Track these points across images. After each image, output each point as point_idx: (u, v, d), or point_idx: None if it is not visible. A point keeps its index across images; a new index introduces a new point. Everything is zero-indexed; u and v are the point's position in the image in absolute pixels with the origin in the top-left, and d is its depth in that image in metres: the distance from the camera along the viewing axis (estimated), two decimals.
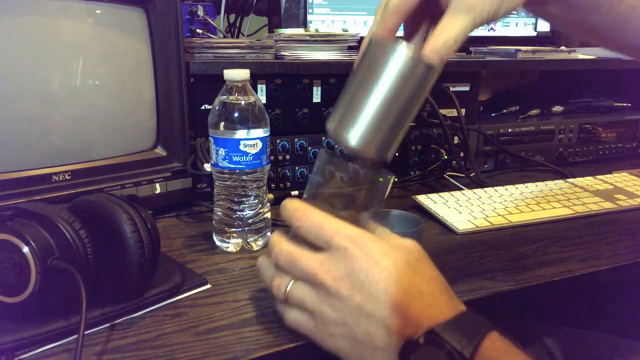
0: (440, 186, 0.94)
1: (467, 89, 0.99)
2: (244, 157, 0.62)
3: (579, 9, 0.48)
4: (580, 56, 1.13)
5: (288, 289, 0.43)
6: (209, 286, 0.56)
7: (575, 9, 0.49)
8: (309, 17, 1.03)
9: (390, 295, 0.39)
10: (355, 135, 0.44)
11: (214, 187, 0.66)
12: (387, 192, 0.48)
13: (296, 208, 0.44)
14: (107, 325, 0.48)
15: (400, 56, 0.43)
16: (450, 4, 0.44)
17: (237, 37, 1.21)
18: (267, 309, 0.51)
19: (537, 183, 0.91)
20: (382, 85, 0.44)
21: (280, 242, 0.44)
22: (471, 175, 0.97)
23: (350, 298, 0.40)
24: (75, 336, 0.42)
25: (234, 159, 0.62)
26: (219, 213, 0.65)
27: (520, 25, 1.27)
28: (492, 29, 1.24)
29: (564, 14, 0.50)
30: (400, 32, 0.50)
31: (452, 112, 0.95)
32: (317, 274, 0.41)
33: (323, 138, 0.88)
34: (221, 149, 0.62)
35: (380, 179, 0.48)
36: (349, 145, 0.44)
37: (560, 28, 0.55)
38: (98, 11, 0.68)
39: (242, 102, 0.62)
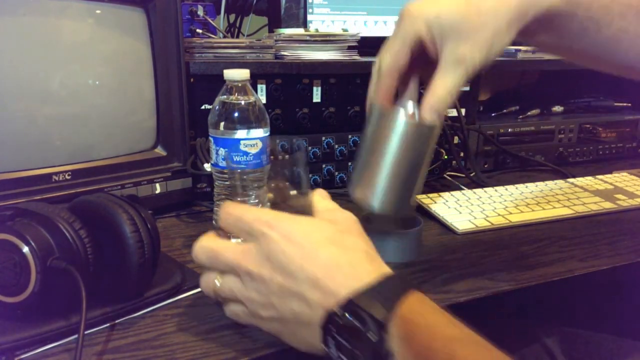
0: (440, 186, 0.94)
1: (467, 88, 0.99)
2: (244, 157, 0.62)
3: (568, 35, 0.49)
4: None
5: (218, 285, 0.45)
6: None
7: (564, 35, 0.49)
8: (309, 17, 1.03)
9: (307, 271, 0.40)
10: (374, 200, 0.49)
11: (214, 187, 0.66)
12: (306, 168, 0.51)
13: (221, 208, 0.46)
14: (107, 325, 0.48)
15: (401, 123, 0.47)
16: (440, 58, 0.46)
17: (237, 37, 1.21)
18: None
19: (537, 183, 0.91)
20: (390, 153, 0.48)
21: (199, 241, 0.45)
22: (471, 175, 0.97)
23: (272, 280, 0.41)
24: (76, 336, 0.42)
25: (234, 159, 0.62)
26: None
27: None
28: None
29: (553, 41, 0.51)
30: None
31: (452, 112, 0.95)
32: (240, 263, 0.42)
33: (323, 138, 0.88)
34: (221, 148, 0.62)
35: (294, 160, 0.51)
36: (371, 209, 0.49)
37: (550, 53, 0.55)
38: (98, 11, 0.68)
39: (242, 102, 0.62)
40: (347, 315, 0.38)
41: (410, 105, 0.50)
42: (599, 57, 0.52)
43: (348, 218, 0.46)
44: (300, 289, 0.40)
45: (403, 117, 0.47)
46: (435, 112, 0.46)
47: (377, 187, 0.49)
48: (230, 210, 0.45)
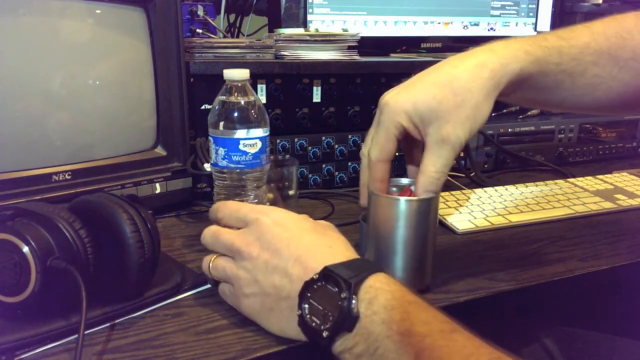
0: None
1: None
2: (244, 156, 0.62)
3: (544, 90, 0.52)
4: None
5: (211, 263, 0.50)
6: (209, 286, 0.56)
7: (540, 91, 0.52)
8: (309, 17, 1.03)
9: (292, 250, 0.45)
10: None
11: (213, 186, 0.66)
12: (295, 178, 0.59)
13: (217, 204, 0.53)
14: (107, 325, 0.48)
15: (402, 206, 0.51)
16: (426, 141, 0.49)
17: (237, 36, 1.21)
18: None
19: (537, 183, 0.91)
20: (399, 235, 0.52)
21: (208, 227, 0.52)
22: (471, 175, 0.97)
23: (259, 257, 0.46)
24: (76, 336, 0.42)
25: (234, 159, 0.62)
26: None
27: (520, 25, 1.27)
28: (492, 29, 1.24)
29: (530, 97, 0.54)
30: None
31: None
32: (234, 242, 0.48)
33: (323, 138, 0.88)
34: (220, 148, 0.62)
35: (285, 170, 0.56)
36: None
37: (529, 107, 0.58)
38: (98, 11, 0.68)
39: (242, 102, 0.62)
40: (322, 280, 0.42)
41: (404, 182, 0.56)
42: (579, 104, 0.55)
43: (328, 223, 0.52)
44: (284, 264, 0.44)
45: (403, 200, 0.51)
46: (429, 191, 0.49)
47: (397, 271, 0.53)
48: (228, 205, 0.52)
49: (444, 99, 0.47)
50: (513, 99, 0.53)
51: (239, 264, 0.47)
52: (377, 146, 0.51)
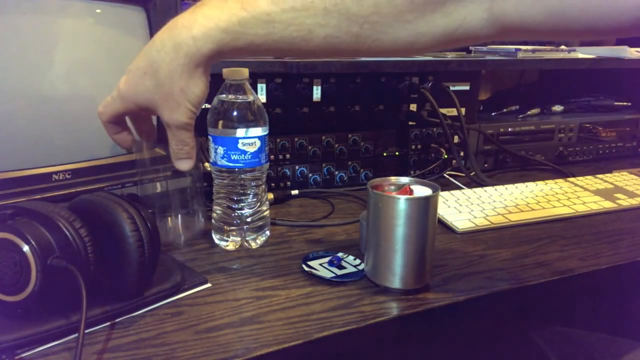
0: (440, 185, 0.94)
1: (467, 88, 0.99)
2: (242, 155, 0.62)
3: (265, 51, 0.49)
4: (580, 55, 1.13)
5: None
6: (209, 285, 0.56)
7: (262, 52, 0.49)
8: None
9: None
10: (397, 282, 0.54)
11: (213, 185, 0.66)
12: None
13: None
14: (108, 323, 0.48)
15: (402, 205, 0.52)
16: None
17: None
18: (267, 307, 0.51)
19: (537, 182, 0.91)
20: (399, 234, 0.53)
21: None
22: (471, 174, 0.97)
23: None
24: (76, 335, 0.42)
25: (232, 158, 0.62)
26: (218, 211, 0.65)
27: None
28: None
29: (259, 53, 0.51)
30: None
31: (452, 112, 0.95)
32: None
33: (323, 137, 0.88)
34: (220, 147, 0.62)
35: None
36: (393, 288, 0.55)
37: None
38: (98, 10, 0.68)
39: (241, 101, 0.62)
40: None
41: (404, 180, 0.57)
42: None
43: None
44: None
45: (402, 199, 0.52)
46: (182, 162, 0.53)
47: (397, 269, 0.54)
48: None
49: (155, 92, 0.50)
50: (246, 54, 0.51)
51: None
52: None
